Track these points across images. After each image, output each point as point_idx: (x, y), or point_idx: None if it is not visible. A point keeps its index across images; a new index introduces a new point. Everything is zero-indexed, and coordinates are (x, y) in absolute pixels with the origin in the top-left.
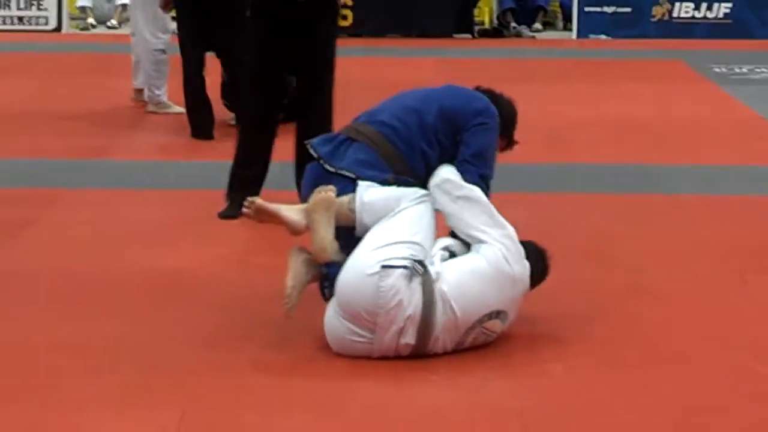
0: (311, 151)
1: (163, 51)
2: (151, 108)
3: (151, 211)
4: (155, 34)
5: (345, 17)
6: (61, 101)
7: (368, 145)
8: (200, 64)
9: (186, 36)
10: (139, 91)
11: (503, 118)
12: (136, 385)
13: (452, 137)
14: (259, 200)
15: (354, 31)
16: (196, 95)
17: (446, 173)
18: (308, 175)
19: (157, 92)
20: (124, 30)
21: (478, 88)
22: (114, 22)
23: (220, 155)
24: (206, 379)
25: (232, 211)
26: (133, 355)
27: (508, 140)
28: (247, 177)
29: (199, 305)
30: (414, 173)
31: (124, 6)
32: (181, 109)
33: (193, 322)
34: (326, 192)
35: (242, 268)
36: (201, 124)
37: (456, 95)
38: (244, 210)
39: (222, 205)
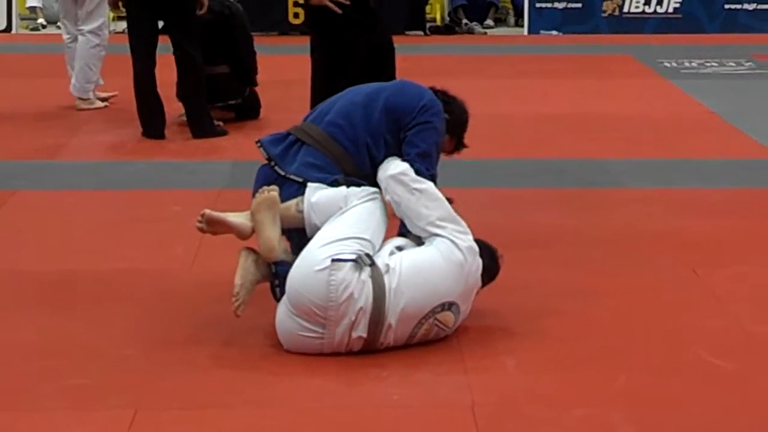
0: (261, 152)
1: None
2: (81, 105)
3: (103, 212)
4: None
5: (297, 15)
6: (12, 102)
7: (315, 147)
8: (150, 61)
9: (134, 33)
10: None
11: (454, 120)
12: (89, 386)
13: (396, 134)
14: (208, 211)
15: (305, 29)
16: (147, 94)
17: (401, 165)
18: (260, 178)
19: (90, 87)
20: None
21: (431, 88)
22: (42, 21)
23: (170, 154)
24: (158, 378)
25: None
26: (86, 356)
27: (457, 142)
28: None
29: (151, 306)
30: (362, 172)
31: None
32: (102, 103)
33: (145, 322)
34: (268, 192)
35: (194, 269)
36: (152, 122)
37: (402, 92)
38: (197, 225)
39: (172, 204)
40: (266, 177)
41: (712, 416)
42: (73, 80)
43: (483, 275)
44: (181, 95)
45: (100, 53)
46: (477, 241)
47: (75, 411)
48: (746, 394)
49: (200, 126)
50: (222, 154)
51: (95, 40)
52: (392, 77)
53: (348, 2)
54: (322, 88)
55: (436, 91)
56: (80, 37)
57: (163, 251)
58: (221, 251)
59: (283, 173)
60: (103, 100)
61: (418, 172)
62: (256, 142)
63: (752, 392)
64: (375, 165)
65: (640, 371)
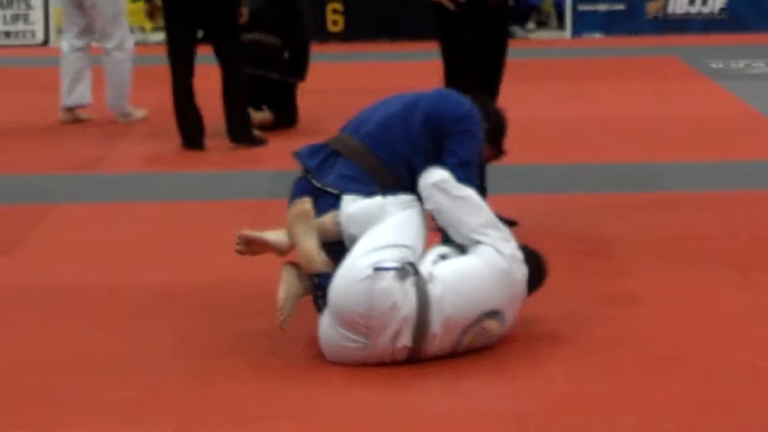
0: (299, 164)
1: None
2: (122, 120)
3: (144, 224)
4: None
5: (336, 23)
6: (50, 115)
7: (352, 159)
8: (188, 71)
9: (173, 43)
10: (73, 109)
11: (492, 127)
12: (131, 400)
13: (436, 143)
14: (245, 232)
15: (344, 37)
16: (186, 104)
17: (442, 174)
18: (296, 190)
19: (126, 101)
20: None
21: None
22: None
23: (210, 165)
24: (201, 391)
25: None
26: (127, 370)
27: (496, 150)
28: None
29: (193, 319)
30: (399, 183)
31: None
32: (145, 112)
33: (187, 335)
34: (302, 204)
35: (236, 281)
36: (191, 133)
37: (440, 101)
38: (236, 248)
39: (213, 216)
40: (302, 189)
41: (763, 421)
42: (108, 99)
43: (529, 283)
44: (224, 101)
45: (128, 67)
46: (523, 248)
47: (116, 425)
48: None
49: (240, 132)
50: (261, 164)
51: (120, 56)
52: (498, 81)
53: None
54: (469, 76)
55: (473, 99)
56: (105, 57)
57: (205, 263)
58: (263, 263)
59: (319, 185)
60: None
61: (458, 181)
62: (294, 153)
63: None
64: (414, 176)
65: (690, 377)
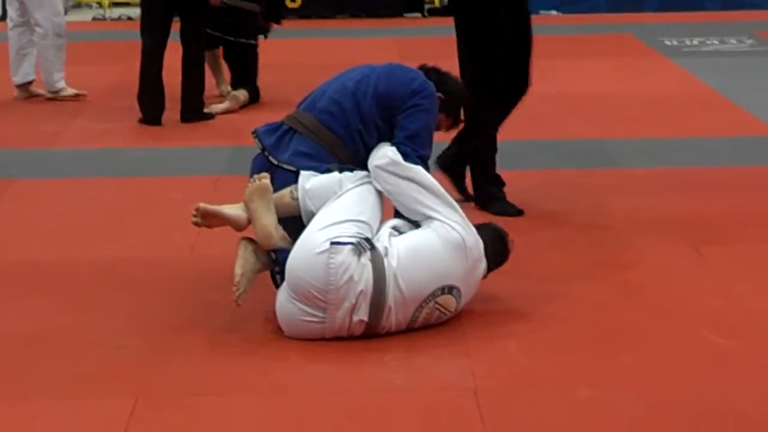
0: (256, 142)
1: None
2: (49, 95)
3: (101, 200)
4: (58, 15)
5: None
6: (6, 90)
7: (307, 135)
8: (161, 49)
9: (149, 15)
10: (25, 86)
11: (450, 96)
12: (90, 374)
13: (389, 119)
14: (202, 204)
15: (303, 13)
16: (150, 80)
17: (390, 153)
18: (254, 167)
19: (59, 75)
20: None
21: (422, 67)
22: None
23: (168, 141)
24: (159, 366)
25: None
26: (85, 345)
27: (453, 119)
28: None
29: (150, 294)
30: (356, 159)
31: None
32: (79, 91)
33: (144, 310)
34: (260, 180)
35: (192, 256)
36: (151, 109)
37: (392, 76)
38: (193, 219)
39: (170, 192)
40: (261, 166)
41: (716, 395)
42: (43, 76)
43: (491, 260)
44: (183, 80)
45: (51, 43)
46: (487, 225)
47: (74, 400)
48: (748, 372)
49: (190, 112)
50: (219, 140)
51: (40, 31)
52: (526, 58)
53: None
54: (468, 70)
55: (428, 70)
56: (36, 29)
57: (162, 239)
58: (220, 238)
59: (276, 162)
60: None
61: (404, 155)
62: (252, 132)
63: (754, 370)
64: (368, 151)
65: (643, 351)
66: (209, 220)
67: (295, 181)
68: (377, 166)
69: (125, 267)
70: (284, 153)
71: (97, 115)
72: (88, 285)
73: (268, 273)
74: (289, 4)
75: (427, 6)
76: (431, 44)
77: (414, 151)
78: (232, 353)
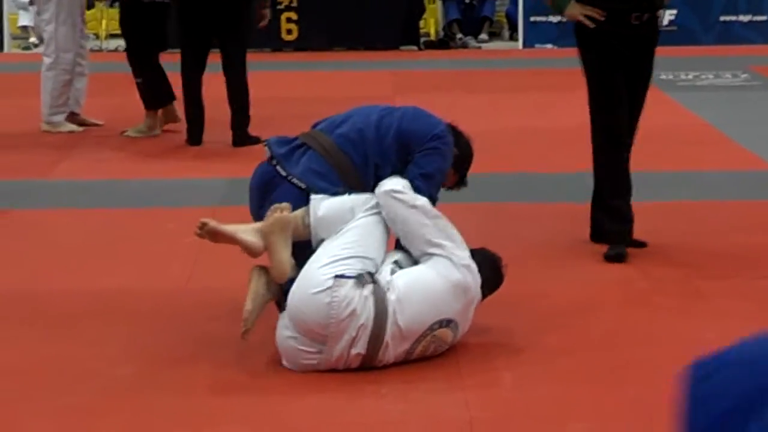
0: (266, 149)
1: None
2: (44, 128)
3: (97, 231)
4: (67, 51)
5: (290, 31)
6: (3, 121)
7: (322, 154)
8: (199, 75)
9: (188, 48)
10: (71, 116)
11: (460, 155)
12: (82, 405)
13: (405, 158)
14: (212, 223)
15: (299, 45)
16: (195, 106)
17: (399, 183)
18: (259, 175)
19: (58, 110)
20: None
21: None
22: (34, 39)
23: (165, 173)
24: (153, 399)
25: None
26: (79, 376)
27: (460, 178)
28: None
29: (146, 325)
30: (365, 187)
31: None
32: (74, 127)
33: (139, 342)
34: (281, 211)
35: (189, 287)
36: (194, 132)
37: (416, 118)
38: (196, 232)
39: (167, 222)
40: (264, 174)
41: None
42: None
43: (485, 285)
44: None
45: (52, 75)
46: (481, 250)
47: (67, 431)
48: None
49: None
50: (216, 172)
51: (46, 61)
52: (638, 101)
53: (603, 17)
54: (591, 101)
55: (448, 125)
56: (44, 59)
57: (158, 270)
58: (216, 269)
59: (284, 174)
60: (84, 124)
61: (417, 190)
62: (263, 141)
63: None
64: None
65: (640, 385)
66: (219, 238)
67: (302, 198)
68: (387, 192)
69: (121, 298)
70: (295, 167)
71: (93, 146)
72: (83, 316)
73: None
74: (286, 37)
75: (422, 39)
76: (426, 77)
77: (426, 190)
78: (229, 385)
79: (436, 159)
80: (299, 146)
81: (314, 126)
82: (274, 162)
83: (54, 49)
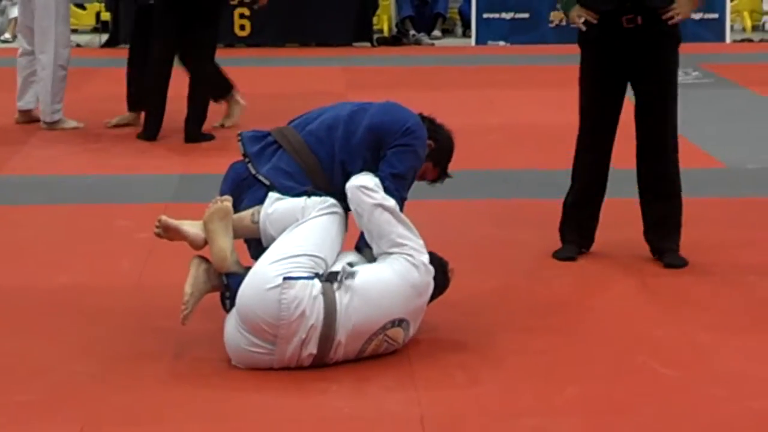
0: (240, 146)
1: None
2: (44, 126)
3: (49, 227)
4: (64, 47)
5: (243, 27)
6: None
7: (291, 154)
8: (168, 69)
9: (163, 41)
10: (26, 112)
11: (440, 149)
12: (36, 401)
13: (376, 151)
14: (164, 217)
15: (252, 41)
16: (158, 100)
17: (370, 181)
18: (230, 172)
19: (57, 107)
20: (17, 44)
21: (419, 115)
22: (8, 35)
23: (117, 169)
24: (106, 394)
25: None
26: (32, 372)
27: (441, 171)
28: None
29: (99, 321)
30: (332, 186)
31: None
32: (77, 123)
33: (92, 338)
34: (222, 202)
35: (140, 283)
36: (151, 126)
37: (388, 112)
38: (155, 230)
39: (119, 219)
40: (237, 172)
41: (658, 423)
42: (41, 106)
43: (435, 288)
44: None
45: (56, 74)
46: (430, 253)
47: (20, 427)
48: (689, 401)
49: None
50: (168, 168)
51: (41, 58)
52: (656, 110)
53: (595, 20)
54: (581, 103)
55: (423, 118)
56: (39, 57)
57: (110, 266)
58: (167, 265)
59: (254, 172)
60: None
61: (387, 191)
62: (237, 135)
63: (694, 400)
64: (347, 180)
65: (590, 381)
66: (169, 233)
67: (266, 197)
68: (358, 186)
69: (73, 294)
70: (264, 165)
71: (45, 141)
72: (35, 312)
73: (218, 297)
74: (239, 33)
75: (375, 35)
76: (380, 73)
77: (396, 191)
78: (181, 382)
79: (407, 157)
80: (271, 144)
81: (290, 121)
82: (247, 160)
83: (51, 45)
